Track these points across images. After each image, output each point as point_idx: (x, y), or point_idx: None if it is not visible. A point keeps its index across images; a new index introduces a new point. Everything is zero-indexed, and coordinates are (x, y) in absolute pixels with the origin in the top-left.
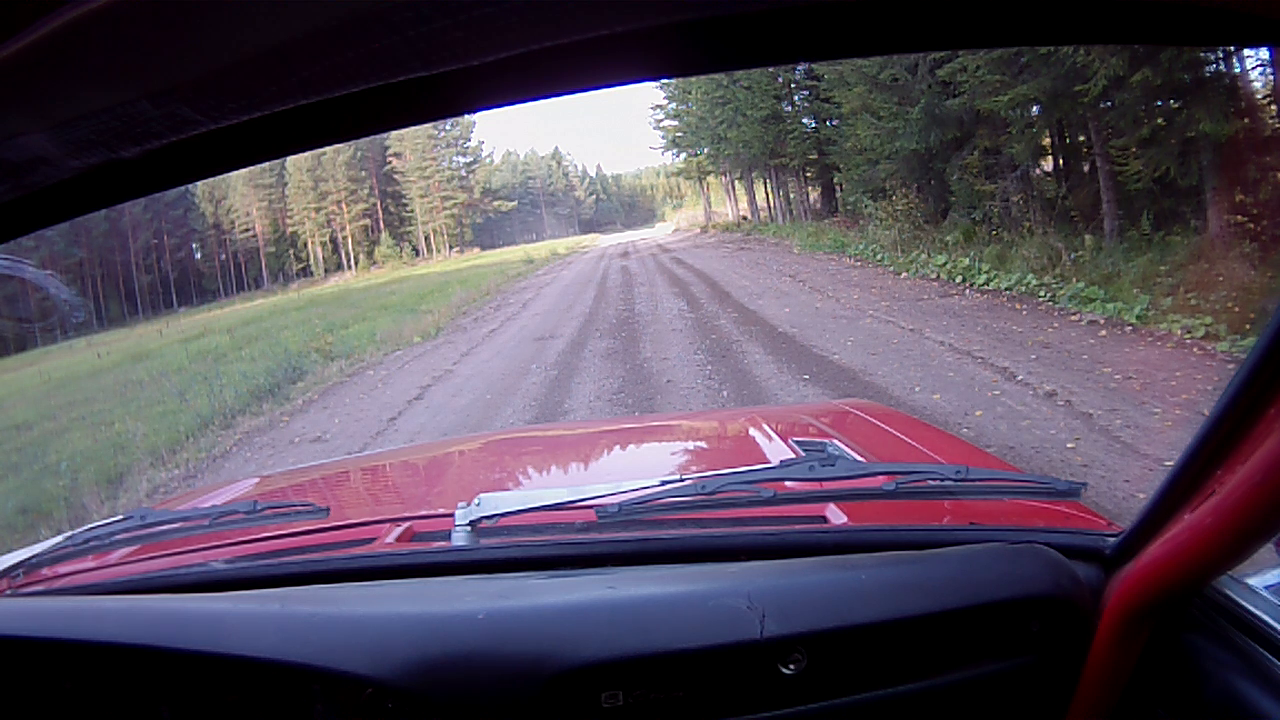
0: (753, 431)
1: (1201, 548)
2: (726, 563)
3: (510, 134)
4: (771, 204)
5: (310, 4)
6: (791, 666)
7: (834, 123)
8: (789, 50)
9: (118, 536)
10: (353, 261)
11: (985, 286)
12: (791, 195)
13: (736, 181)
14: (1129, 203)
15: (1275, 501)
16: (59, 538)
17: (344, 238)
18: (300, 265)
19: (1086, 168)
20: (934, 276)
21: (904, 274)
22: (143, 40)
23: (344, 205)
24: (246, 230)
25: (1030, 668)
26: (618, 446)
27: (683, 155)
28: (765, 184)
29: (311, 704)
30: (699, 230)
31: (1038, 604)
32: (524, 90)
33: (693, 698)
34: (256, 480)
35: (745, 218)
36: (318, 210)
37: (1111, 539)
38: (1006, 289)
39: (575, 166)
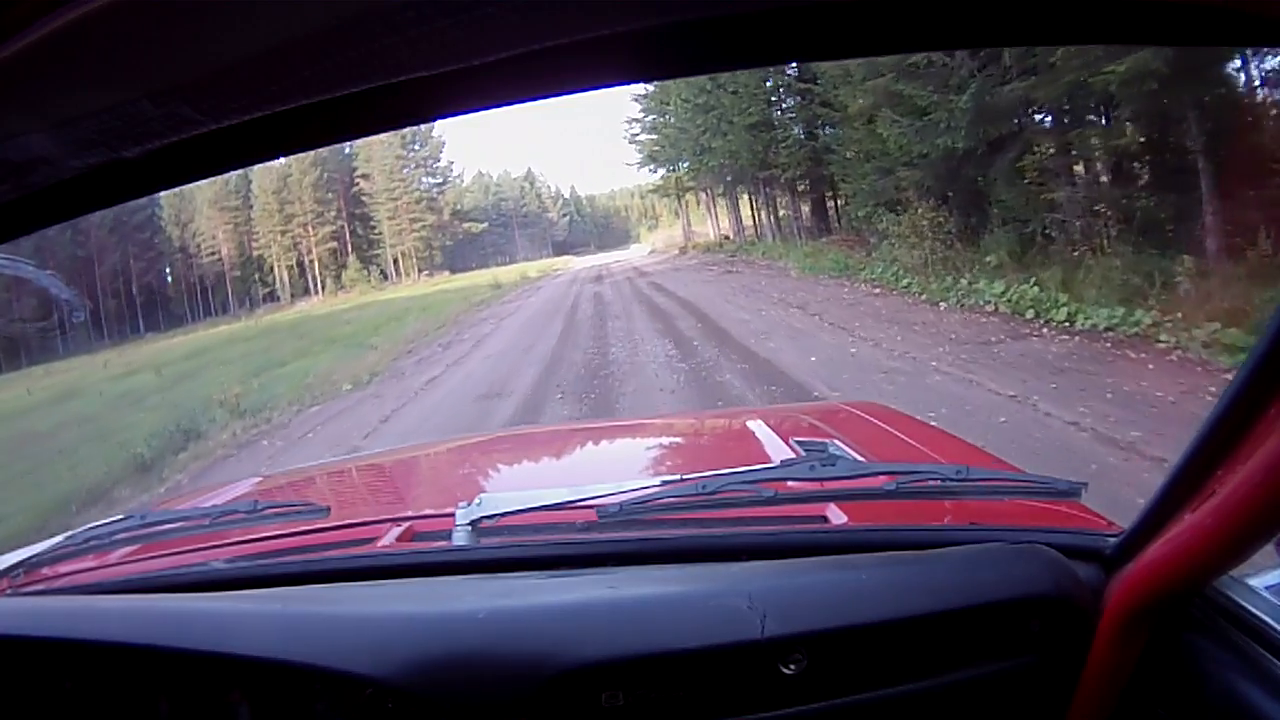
0: (753, 431)
1: (1202, 548)
2: (727, 563)
3: (482, 154)
4: (757, 222)
5: (310, 4)
6: (792, 666)
7: (829, 129)
8: (788, 50)
9: (118, 536)
10: (320, 286)
11: (1070, 325)
12: (781, 212)
13: (718, 198)
14: (1237, 214)
15: (1275, 502)
16: (59, 537)
17: (311, 261)
18: (266, 289)
19: (1179, 170)
20: (989, 308)
21: (943, 304)
22: (143, 40)
23: (310, 228)
24: (213, 254)
25: (1030, 668)
26: (619, 446)
27: (660, 171)
28: (751, 200)
29: (312, 703)
30: (677, 251)
31: (1038, 604)
32: (524, 90)
33: (693, 698)
34: (257, 480)
35: (727, 237)
36: (284, 233)
37: (1112, 539)
38: (1105, 329)
39: (548, 187)
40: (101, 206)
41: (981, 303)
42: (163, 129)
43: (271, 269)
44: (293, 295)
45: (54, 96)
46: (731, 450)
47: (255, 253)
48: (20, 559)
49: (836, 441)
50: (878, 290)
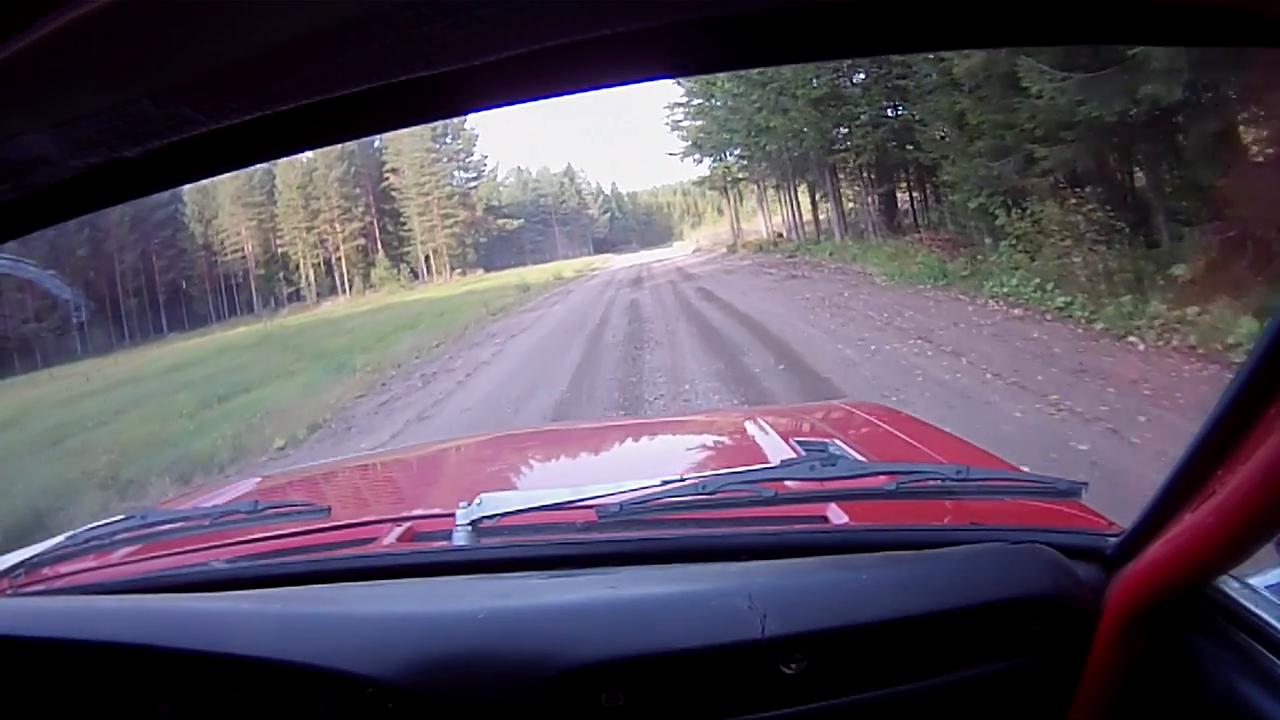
0: (753, 431)
1: (1202, 548)
2: (727, 562)
3: (520, 149)
4: (818, 218)
5: (310, 4)
6: (792, 666)
7: (908, 105)
8: (790, 50)
9: (119, 536)
10: (346, 285)
11: None
12: (849, 204)
13: (772, 190)
14: None
15: (1276, 501)
16: (60, 537)
17: (338, 259)
18: (291, 288)
19: None
20: (1236, 354)
21: (1137, 341)
22: (143, 40)
23: (337, 224)
24: (237, 251)
25: (1031, 667)
26: (619, 446)
27: (706, 161)
28: (812, 192)
29: (313, 704)
30: (725, 250)
31: (1038, 604)
32: (525, 90)
33: (693, 698)
34: (257, 480)
35: (781, 235)
36: (309, 230)
37: (1112, 539)
38: None
39: (589, 184)
40: (101, 206)
41: (1220, 343)
42: (163, 129)
43: (297, 267)
44: (318, 294)
45: (54, 96)
46: (731, 450)
47: (280, 250)
48: (21, 559)
49: (837, 441)
50: (1018, 311)
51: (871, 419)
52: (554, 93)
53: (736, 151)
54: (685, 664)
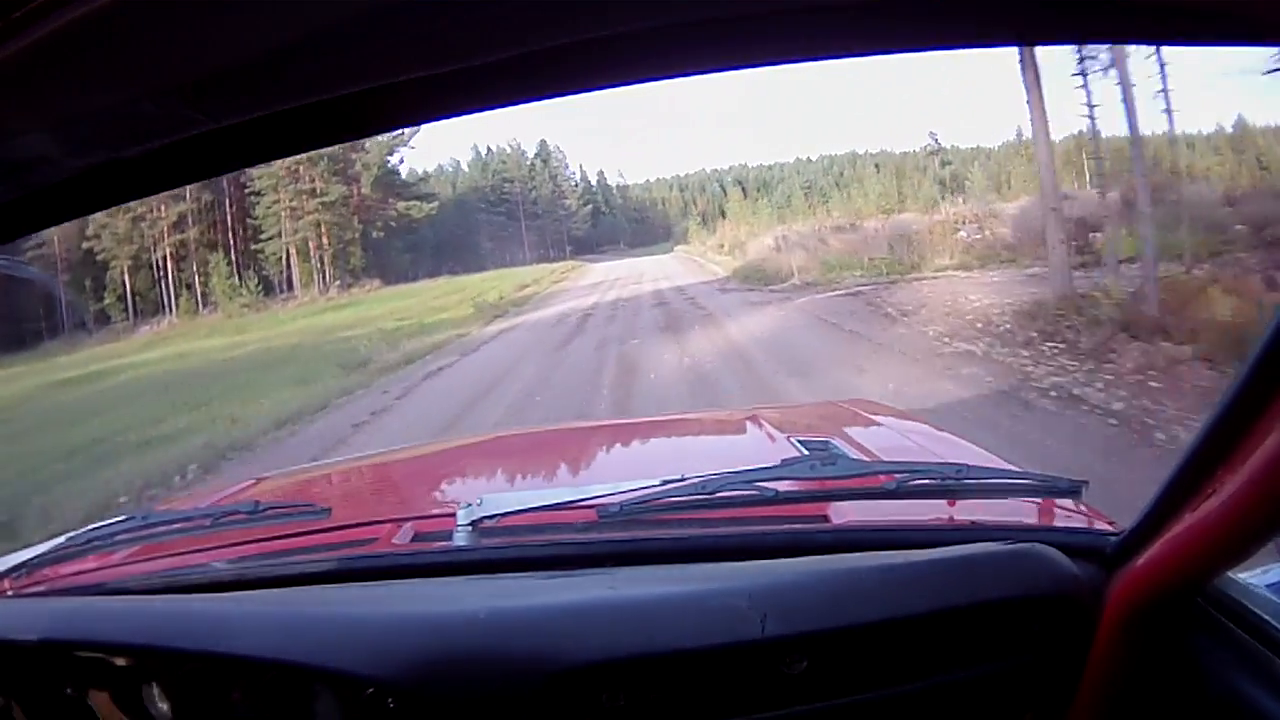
0: (753, 430)
1: (1203, 547)
2: (728, 562)
3: (487, 126)
4: None
5: (310, 4)
6: (793, 666)
7: None
8: (790, 50)
9: (119, 537)
10: (172, 302)
11: None
12: None
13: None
14: None
15: (1276, 501)
16: (60, 538)
17: (161, 260)
18: (98, 305)
19: None
20: None
21: None
22: (143, 40)
23: (162, 207)
24: (41, 248)
25: (1031, 667)
26: (619, 446)
27: None
28: None
29: (314, 703)
30: (858, 283)
31: (1039, 603)
32: (524, 90)
33: (693, 698)
34: (258, 480)
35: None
36: (123, 211)
37: (1113, 538)
38: None
39: (568, 170)
40: (102, 207)
41: None
42: (163, 129)
43: (118, 272)
44: (138, 314)
45: (54, 96)
46: (731, 450)
47: (85, 247)
48: (22, 560)
49: (836, 441)
50: None
51: (871, 418)
52: (554, 93)
53: None
54: (685, 664)
